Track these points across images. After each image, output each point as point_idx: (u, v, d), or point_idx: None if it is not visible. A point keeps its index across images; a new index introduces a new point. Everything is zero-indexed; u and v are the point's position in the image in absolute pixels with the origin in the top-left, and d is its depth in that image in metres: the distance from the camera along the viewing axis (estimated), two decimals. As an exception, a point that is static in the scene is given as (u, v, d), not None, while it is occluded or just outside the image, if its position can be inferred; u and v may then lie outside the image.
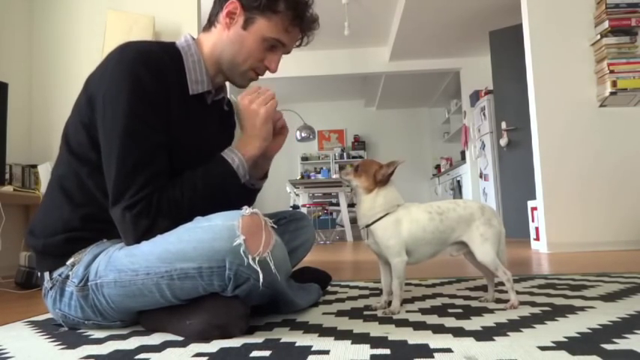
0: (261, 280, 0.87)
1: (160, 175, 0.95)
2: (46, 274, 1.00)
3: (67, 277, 0.96)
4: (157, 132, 0.96)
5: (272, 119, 1.08)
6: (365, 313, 1.11)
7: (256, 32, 1.06)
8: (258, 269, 0.87)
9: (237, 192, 1.05)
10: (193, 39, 1.11)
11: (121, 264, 0.91)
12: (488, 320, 0.97)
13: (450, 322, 0.97)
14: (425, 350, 0.75)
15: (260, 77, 1.15)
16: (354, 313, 1.10)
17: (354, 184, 1.17)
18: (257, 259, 0.86)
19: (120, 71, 0.95)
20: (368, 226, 1.14)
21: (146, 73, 0.95)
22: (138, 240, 0.93)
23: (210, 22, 1.12)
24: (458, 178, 6.63)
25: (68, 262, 0.97)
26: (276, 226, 0.96)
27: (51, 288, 0.99)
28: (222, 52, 1.09)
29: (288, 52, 1.14)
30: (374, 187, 1.14)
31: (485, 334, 0.85)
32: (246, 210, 0.89)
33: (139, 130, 0.94)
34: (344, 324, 0.99)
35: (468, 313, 1.06)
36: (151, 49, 1.01)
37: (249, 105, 1.06)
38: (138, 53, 0.98)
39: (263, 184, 1.22)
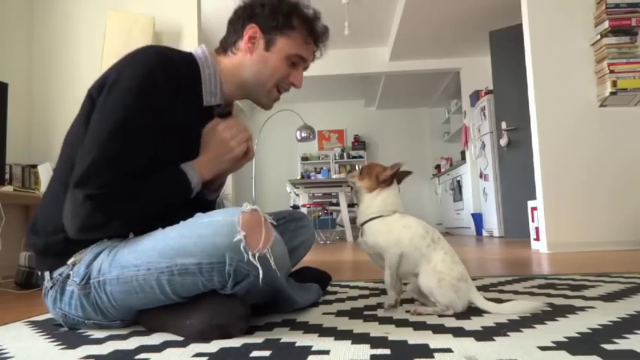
0: (260, 276, 0.88)
1: (130, 176, 0.93)
2: (47, 274, 1.00)
3: (68, 276, 0.96)
4: (149, 134, 0.96)
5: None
6: (365, 313, 1.11)
7: (279, 51, 1.11)
8: (258, 265, 0.87)
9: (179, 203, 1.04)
10: (209, 51, 1.12)
11: (124, 260, 0.92)
12: (488, 320, 0.97)
13: (450, 322, 0.97)
14: (425, 350, 0.75)
15: None
16: (354, 313, 1.10)
17: (357, 186, 1.21)
18: (257, 255, 0.87)
19: (137, 66, 0.96)
20: (362, 224, 1.17)
21: (161, 75, 0.97)
22: (82, 230, 0.91)
23: (225, 49, 1.14)
24: (458, 178, 6.64)
25: (69, 262, 0.97)
26: (275, 223, 0.96)
27: (51, 287, 0.99)
28: (246, 74, 1.12)
29: (306, 68, 1.19)
30: (376, 186, 1.18)
31: (485, 334, 0.85)
32: (246, 206, 0.90)
33: (133, 126, 0.93)
34: (344, 324, 0.99)
35: (468, 313, 1.06)
36: (170, 54, 1.03)
37: (229, 140, 1.08)
38: (159, 55, 1.00)
39: (218, 195, 1.22)
